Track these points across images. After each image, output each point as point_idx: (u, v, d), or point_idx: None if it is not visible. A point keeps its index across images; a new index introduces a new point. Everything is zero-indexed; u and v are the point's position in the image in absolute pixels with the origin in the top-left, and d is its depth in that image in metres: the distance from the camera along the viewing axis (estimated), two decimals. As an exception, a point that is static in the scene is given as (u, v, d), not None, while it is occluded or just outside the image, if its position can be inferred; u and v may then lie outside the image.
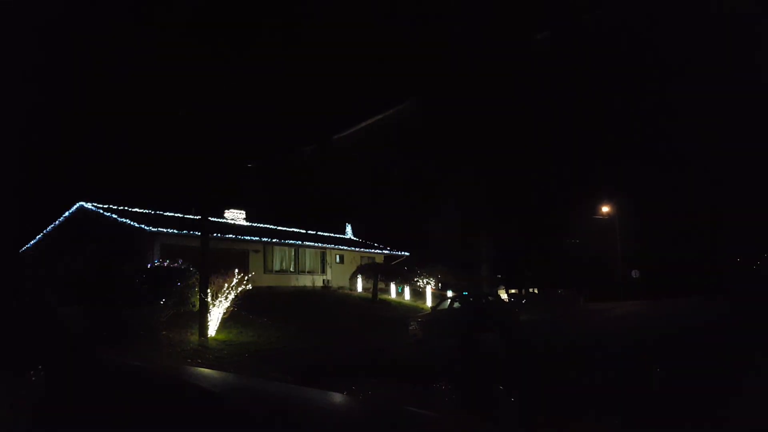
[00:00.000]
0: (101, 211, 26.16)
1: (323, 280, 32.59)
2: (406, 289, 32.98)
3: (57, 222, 27.60)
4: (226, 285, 18.30)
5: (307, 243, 32.52)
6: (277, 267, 30.71)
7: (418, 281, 33.82)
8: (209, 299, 17.69)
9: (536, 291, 39.79)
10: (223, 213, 33.18)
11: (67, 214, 27.27)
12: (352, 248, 36.25)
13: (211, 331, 17.62)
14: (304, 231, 35.46)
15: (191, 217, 28.84)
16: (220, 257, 23.17)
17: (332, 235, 38.30)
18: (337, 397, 6.84)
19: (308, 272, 32.40)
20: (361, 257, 36.31)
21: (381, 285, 31.24)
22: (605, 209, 41.54)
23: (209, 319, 17.59)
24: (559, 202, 47.49)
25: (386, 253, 38.11)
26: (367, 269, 32.22)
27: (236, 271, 18.98)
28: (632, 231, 40.29)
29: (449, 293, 30.90)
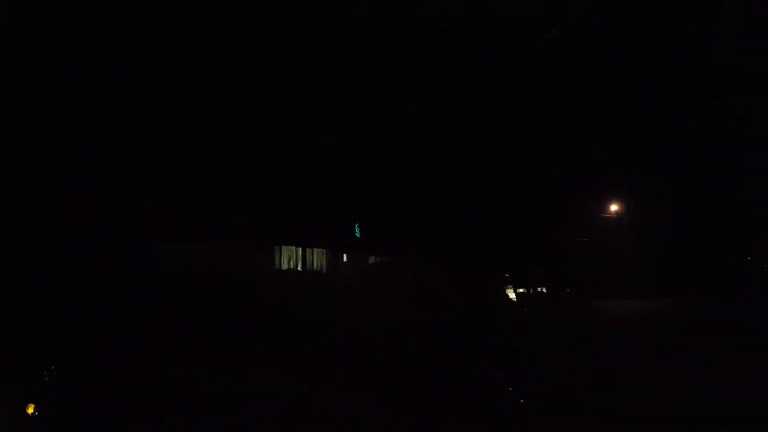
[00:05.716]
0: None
1: (331, 280, 32.61)
2: (414, 289, 32.93)
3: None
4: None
5: (315, 243, 32.59)
6: (285, 266, 30.79)
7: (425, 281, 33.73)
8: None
9: (544, 290, 39.63)
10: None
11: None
12: (360, 248, 36.26)
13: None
14: (311, 230, 35.46)
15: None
16: (226, 257, 23.26)
17: (340, 235, 38.32)
18: (345, 392, 6.89)
19: (315, 272, 32.45)
20: (369, 257, 36.31)
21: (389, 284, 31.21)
22: (613, 207, 41.38)
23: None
24: (567, 199, 47.20)
25: (394, 253, 38.06)
26: (375, 269, 32.23)
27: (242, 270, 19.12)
28: (640, 227, 40.06)
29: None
